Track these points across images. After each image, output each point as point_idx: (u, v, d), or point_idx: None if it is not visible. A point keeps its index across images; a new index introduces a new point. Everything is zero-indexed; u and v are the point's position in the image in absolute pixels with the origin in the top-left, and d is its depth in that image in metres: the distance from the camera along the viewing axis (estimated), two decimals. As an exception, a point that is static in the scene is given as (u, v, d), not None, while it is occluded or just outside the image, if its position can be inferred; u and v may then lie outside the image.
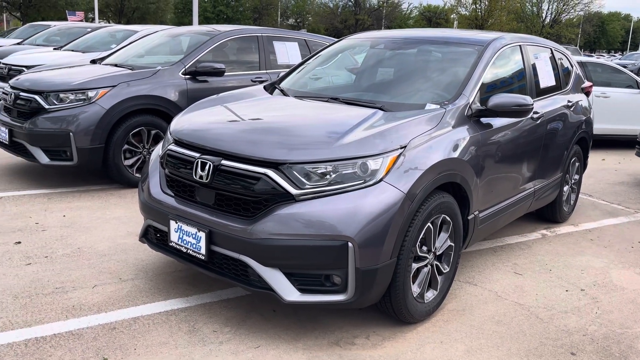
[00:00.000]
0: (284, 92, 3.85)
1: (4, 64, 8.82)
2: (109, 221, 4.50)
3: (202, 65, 5.79)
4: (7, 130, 5.34)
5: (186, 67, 5.83)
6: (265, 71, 6.56)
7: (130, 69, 5.71)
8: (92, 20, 32.88)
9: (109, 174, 5.41)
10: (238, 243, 2.69)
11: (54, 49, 10.03)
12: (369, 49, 4.23)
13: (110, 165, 5.30)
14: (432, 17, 79.00)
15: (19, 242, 3.95)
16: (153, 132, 5.53)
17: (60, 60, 8.52)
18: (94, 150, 5.17)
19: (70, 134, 5.05)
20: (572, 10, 54.76)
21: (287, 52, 6.92)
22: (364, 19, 49.07)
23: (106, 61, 6.46)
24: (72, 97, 5.18)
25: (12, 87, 5.57)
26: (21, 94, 5.35)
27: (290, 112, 3.36)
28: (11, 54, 9.43)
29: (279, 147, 2.77)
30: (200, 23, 59.30)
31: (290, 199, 2.66)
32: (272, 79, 6.54)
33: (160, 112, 5.58)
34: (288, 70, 4.41)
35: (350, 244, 2.56)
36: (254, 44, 6.58)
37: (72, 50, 9.42)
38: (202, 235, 2.80)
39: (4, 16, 59.83)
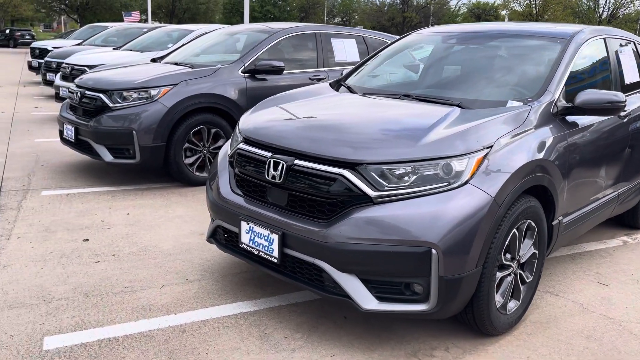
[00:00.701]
0: (351, 90, 3.71)
1: (67, 64, 9.06)
2: (172, 220, 4.49)
3: (261, 63, 5.72)
4: (73, 129, 5.43)
5: (245, 65, 5.78)
6: (322, 69, 6.45)
7: (190, 68, 5.71)
8: (145, 21, 33.73)
9: (170, 172, 5.42)
10: (313, 246, 2.58)
11: (113, 49, 10.25)
12: (439, 43, 4.04)
13: (171, 164, 5.31)
14: (481, 14, 77.35)
15: (87, 240, 3.97)
16: (213, 130, 5.51)
17: (120, 60, 8.67)
18: (156, 149, 5.18)
19: (133, 132, 5.08)
20: (631, 5, 52.30)
21: (344, 49, 6.79)
22: (412, 16, 48.40)
23: (166, 60, 6.51)
24: (135, 95, 5.21)
25: (77, 86, 5.67)
26: (86, 92, 5.43)
27: (363, 111, 3.22)
28: (73, 54, 9.69)
29: (354, 146, 2.64)
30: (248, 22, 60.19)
31: (367, 201, 2.52)
32: (330, 76, 6.44)
33: (220, 110, 5.56)
34: (353, 67, 4.27)
35: (433, 251, 2.40)
36: (311, 41, 6.48)
37: (131, 50, 9.59)
38: (275, 237, 2.70)
39: (62, 19, 62.39)
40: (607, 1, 52.46)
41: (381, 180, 2.52)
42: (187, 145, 5.37)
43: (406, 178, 2.52)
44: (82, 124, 5.32)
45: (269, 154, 2.83)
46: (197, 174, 5.48)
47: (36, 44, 15.15)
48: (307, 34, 6.45)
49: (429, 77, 3.85)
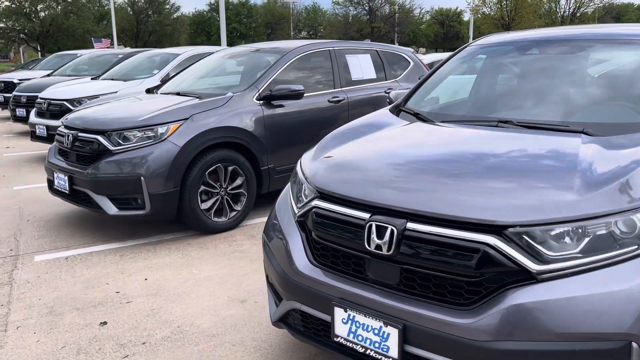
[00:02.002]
0: (422, 118, 3.04)
1: (42, 98, 8.20)
2: (200, 283, 3.73)
3: (279, 88, 5.03)
4: (66, 178, 4.62)
5: (260, 91, 5.08)
6: (340, 89, 5.79)
7: (197, 98, 4.99)
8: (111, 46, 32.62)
9: (184, 220, 4.66)
10: (453, 346, 1.88)
11: (92, 78, 9.42)
12: (516, 55, 3.42)
13: (186, 211, 4.55)
14: (444, 20, 78.25)
15: (105, 323, 3.20)
16: (230, 168, 4.78)
17: (104, 91, 7.88)
18: (169, 196, 4.42)
19: (141, 178, 4.31)
20: (592, 3, 53.45)
21: (360, 65, 6.16)
22: (380, 26, 48.34)
23: (163, 89, 5.76)
24: (139, 135, 4.45)
25: (67, 127, 4.87)
26: (79, 134, 4.64)
27: (465, 148, 2.53)
28: (48, 87, 8.83)
29: (492, 201, 1.98)
30: (214, 41, 59.43)
31: (528, 278, 1.85)
32: (349, 97, 5.79)
33: (237, 145, 4.84)
34: (411, 89, 3.61)
35: (635, 345, 1.74)
36: (325, 59, 5.83)
37: (112, 79, 8.78)
38: (391, 331, 2.00)
39: (20, 48, 60.40)
40: (568, 1, 53.49)
41: (543, 249, 1.86)
42: (202, 187, 4.63)
43: (574, 243, 1.86)
44: (78, 172, 4.52)
45: (366, 215, 2.14)
46: (215, 219, 4.74)
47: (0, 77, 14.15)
48: (321, 52, 5.80)
49: (515, 96, 3.20)
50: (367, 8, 51.14)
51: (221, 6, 15.86)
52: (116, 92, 7.93)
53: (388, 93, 6.35)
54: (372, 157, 2.56)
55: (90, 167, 4.45)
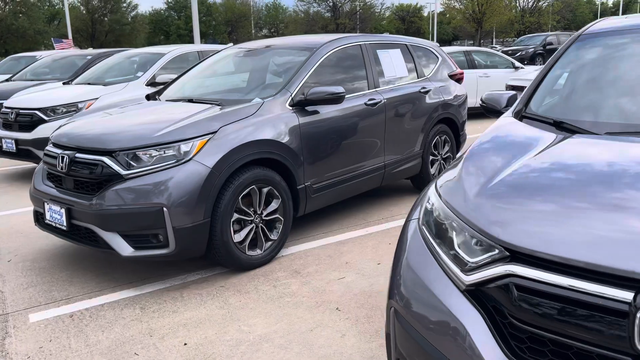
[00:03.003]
0: (581, 130, 2.27)
1: (8, 107, 7.08)
2: (258, 347, 2.89)
3: (315, 91, 4.21)
4: (63, 211, 3.68)
5: (293, 95, 4.25)
6: (375, 89, 5.01)
7: (217, 105, 4.12)
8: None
9: (212, 256, 3.78)
10: None
11: (64, 83, 8.32)
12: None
13: (217, 246, 3.68)
14: (405, 16, 78.38)
15: (151, 423, 2.33)
16: (265, 190, 3.94)
17: (83, 98, 6.88)
18: (198, 229, 3.54)
19: (164, 209, 3.42)
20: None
21: (392, 62, 5.40)
22: (345, 22, 47.73)
23: (168, 95, 4.85)
24: (157, 154, 3.56)
25: (58, 146, 3.92)
26: (77, 155, 3.71)
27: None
28: (14, 95, 7.71)
29: None
30: (174, 41, 57.58)
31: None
32: (385, 99, 5.02)
33: (271, 161, 4.00)
34: (529, 89, 2.84)
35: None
36: (358, 56, 5.03)
37: (89, 84, 7.73)
38: None
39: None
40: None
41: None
42: (235, 216, 3.77)
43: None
44: (79, 203, 3.59)
45: (628, 296, 1.37)
46: (250, 253, 3.89)
47: (-49, 84, 12.71)
48: (352, 47, 5.00)
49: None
50: (330, 4, 50.44)
51: (193, 5, 14.81)
52: (97, 98, 6.93)
53: (424, 92, 5.65)
54: (564, 200, 1.77)
55: (95, 197, 3.53)
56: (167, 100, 4.65)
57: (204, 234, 3.59)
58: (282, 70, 4.66)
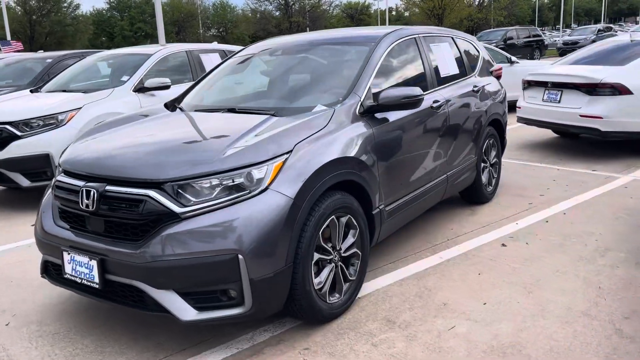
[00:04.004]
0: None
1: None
2: None
3: (388, 95, 3.47)
4: (94, 263, 2.76)
5: (362, 100, 3.48)
6: (435, 89, 4.31)
7: (271, 115, 3.29)
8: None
9: (293, 310, 2.95)
10: None
11: (31, 90, 7.18)
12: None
13: (298, 296, 2.86)
14: (354, 14, 78.24)
15: None
16: (343, 220, 3.15)
17: (63, 108, 5.87)
18: (279, 279, 2.72)
19: (238, 257, 2.58)
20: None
21: (444, 57, 4.71)
22: (299, 20, 46.90)
23: (195, 104, 3.96)
24: (221, 184, 2.71)
25: (74, 175, 2.99)
26: (109, 188, 2.80)
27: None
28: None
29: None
30: (119, 43, 54.97)
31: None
32: (445, 100, 4.31)
33: (349, 183, 3.22)
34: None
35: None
36: (414, 50, 4.32)
37: (64, 91, 6.65)
38: None
39: None
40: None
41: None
42: (317, 256, 2.97)
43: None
44: (117, 253, 2.69)
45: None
46: (331, 299, 3.10)
47: None
48: (409, 40, 4.27)
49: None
50: (282, 2, 49.48)
51: (157, 4, 13.65)
52: (79, 107, 5.91)
53: (476, 91, 4.99)
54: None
55: (141, 244, 2.64)
56: (196, 111, 3.77)
57: (285, 284, 2.77)
58: (336, 69, 3.87)
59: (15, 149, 5.58)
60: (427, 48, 4.41)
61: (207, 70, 7.59)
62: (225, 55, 7.95)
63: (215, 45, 8.48)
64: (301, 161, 2.88)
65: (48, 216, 3.09)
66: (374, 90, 3.56)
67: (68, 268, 2.88)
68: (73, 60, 9.12)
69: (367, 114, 3.48)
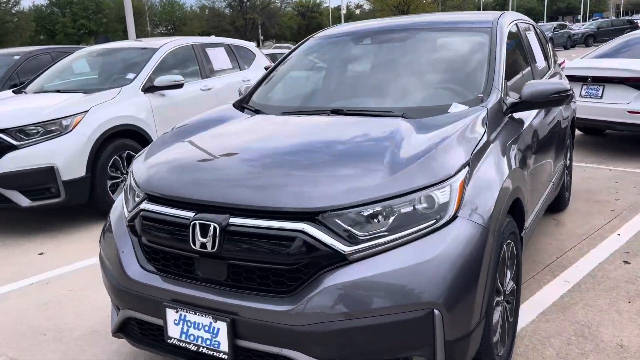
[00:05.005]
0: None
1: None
2: None
3: (534, 90, 2.85)
4: (222, 326, 1.97)
5: (503, 96, 2.83)
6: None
7: (399, 117, 2.60)
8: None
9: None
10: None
11: (13, 91, 6.13)
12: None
13: (480, 355, 2.19)
14: (305, 12, 77.54)
15: None
16: (507, 249, 2.49)
17: (65, 112, 4.96)
18: (473, 338, 2.04)
19: (434, 312, 1.88)
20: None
21: (537, 45, 4.15)
22: (255, 17, 45.79)
23: (279, 105, 3.19)
24: (389, 211, 2.00)
25: (170, 202, 2.19)
26: (235, 221, 2.02)
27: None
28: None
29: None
30: (60, 41, 51.97)
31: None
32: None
33: (515, 204, 2.57)
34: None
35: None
36: (519, 37, 3.71)
37: (58, 91, 5.66)
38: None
39: None
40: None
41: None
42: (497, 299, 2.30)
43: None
44: (255, 311, 1.93)
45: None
46: (499, 351, 2.43)
47: None
48: (524, 24, 3.65)
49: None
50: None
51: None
52: (86, 110, 4.99)
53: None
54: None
55: (296, 298, 1.89)
56: (283, 113, 2.99)
57: (476, 343, 2.09)
58: (455, 59, 3.19)
59: (10, 162, 4.60)
60: (524, 34, 3.83)
61: (215, 66, 6.87)
62: (230, 50, 7.18)
63: (216, 38, 7.65)
64: (482, 177, 2.21)
65: (130, 257, 2.27)
66: (508, 86, 2.92)
67: (175, 331, 2.08)
68: (45, 57, 8.13)
69: (510, 113, 2.84)
